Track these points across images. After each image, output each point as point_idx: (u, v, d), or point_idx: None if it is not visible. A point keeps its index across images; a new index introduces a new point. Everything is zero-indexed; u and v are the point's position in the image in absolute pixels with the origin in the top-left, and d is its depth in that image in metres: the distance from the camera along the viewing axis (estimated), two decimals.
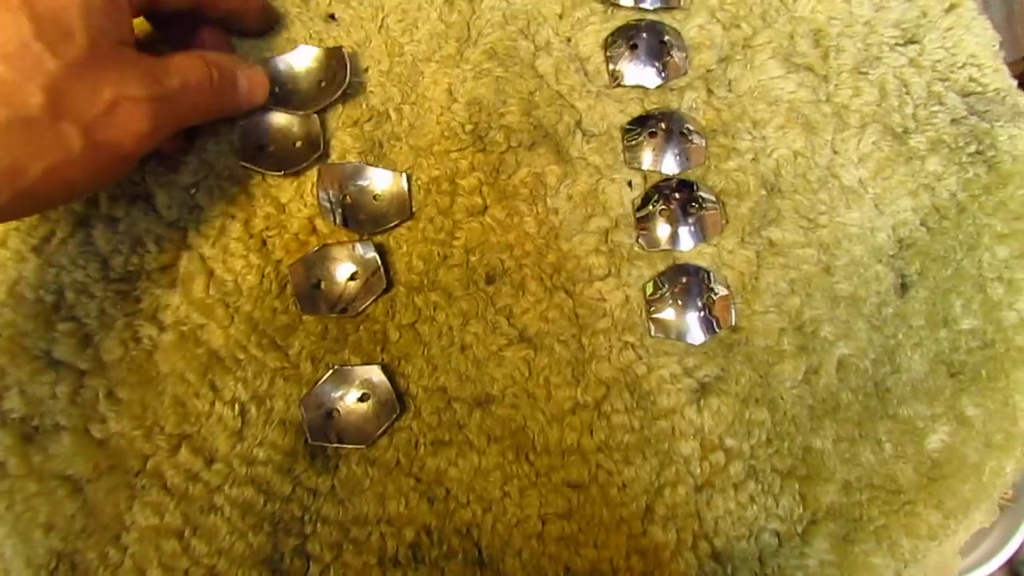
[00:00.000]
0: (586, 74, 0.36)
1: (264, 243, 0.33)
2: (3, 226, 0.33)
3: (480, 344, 0.32)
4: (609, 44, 0.35)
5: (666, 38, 0.35)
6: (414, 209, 0.34)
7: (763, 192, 0.34)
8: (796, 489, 0.32)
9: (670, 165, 0.34)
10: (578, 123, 0.35)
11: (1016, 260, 0.34)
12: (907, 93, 0.36)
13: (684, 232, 0.33)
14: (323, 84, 0.34)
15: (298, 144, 0.33)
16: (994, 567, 0.66)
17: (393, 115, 0.35)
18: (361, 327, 0.33)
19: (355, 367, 0.32)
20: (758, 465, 0.32)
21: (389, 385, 0.31)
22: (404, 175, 0.33)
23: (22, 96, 0.23)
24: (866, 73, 0.36)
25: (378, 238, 0.33)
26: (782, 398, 0.33)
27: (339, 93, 0.33)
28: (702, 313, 0.33)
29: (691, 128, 0.35)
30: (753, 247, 0.34)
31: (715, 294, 0.33)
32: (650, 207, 0.34)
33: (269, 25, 0.35)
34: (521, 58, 0.35)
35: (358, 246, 0.32)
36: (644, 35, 0.35)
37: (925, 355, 0.33)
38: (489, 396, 0.32)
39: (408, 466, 0.32)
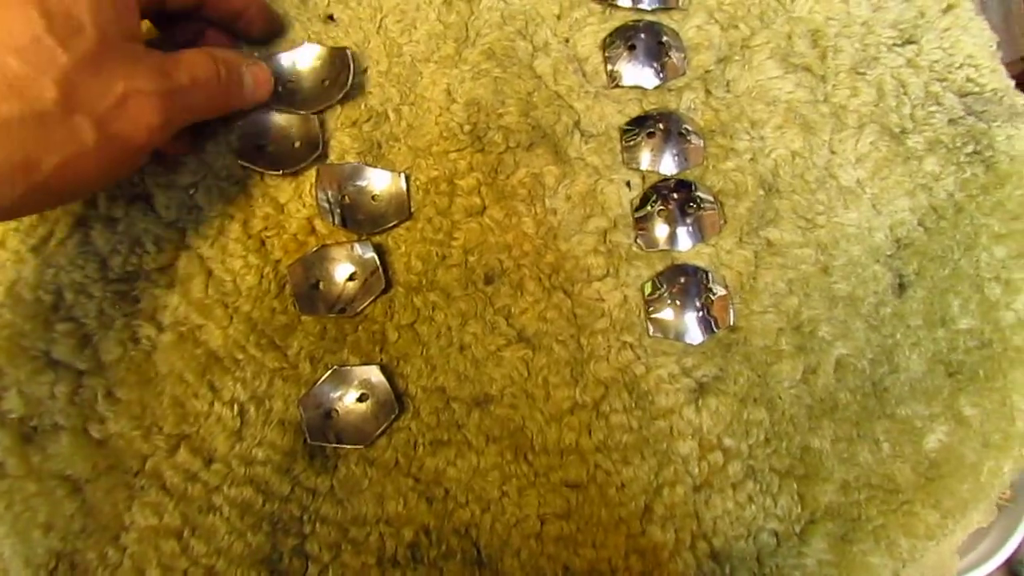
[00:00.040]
0: (584, 75, 0.36)
1: (263, 243, 0.33)
2: (2, 226, 0.33)
3: (479, 344, 0.32)
4: (607, 45, 0.36)
5: (664, 39, 0.35)
6: (413, 209, 0.34)
7: (761, 192, 0.34)
8: (794, 489, 0.32)
9: (668, 165, 0.34)
10: (576, 123, 0.35)
11: (1014, 260, 0.34)
12: (905, 93, 0.36)
13: (682, 232, 0.34)
14: (326, 83, 0.34)
15: (297, 144, 0.33)
16: (993, 567, 0.66)
17: (392, 115, 0.35)
18: (360, 327, 0.33)
19: (354, 367, 0.32)
20: (756, 465, 0.32)
21: (388, 385, 0.31)
22: (403, 175, 0.33)
23: (36, 90, 0.23)
24: (864, 73, 0.36)
25: (377, 238, 0.33)
26: (780, 398, 0.33)
27: (342, 93, 0.33)
28: (700, 313, 0.33)
29: (689, 128, 0.35)
30: (751, 247, 0.34)
31: (713, 294, 0.33)
32: (648, 207, 0.34)
33: (272, 31, 0.35)
34: (519, 59, 0.35)
35: (357, 246, 0.32)
36: (642, 36, 0.35)
37: (923, 355, 0.34)
38: (488, 396, 0.32)
39: (407, 466, 0.32)
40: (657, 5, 0.36)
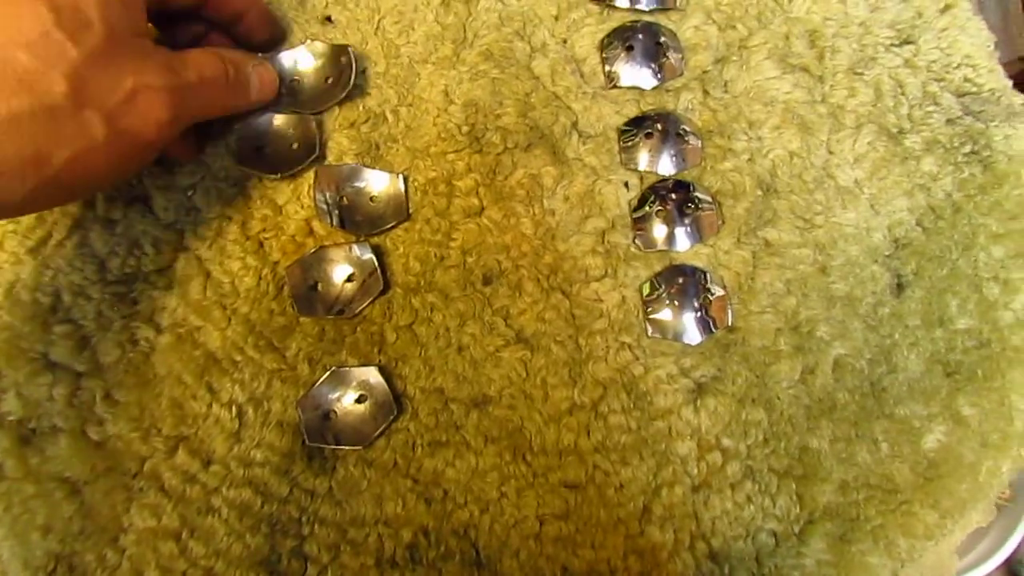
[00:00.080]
0: (582, 75, 0.36)
1: (261, 245, 0.33)
2: (0, 227, 0.33)
3: (477, 345, 0.32)
4: (605, 45, 0.36)
5: (662, 39, 0.35)
6: (411, 210, 0.34)
7: (759, 193, 0.34)
8: (793, 489, 0.32)
9: (666, 166, 0.34)
10: (574, 124, 0.35)
11: (1012, 260, 0.34)
12: (902, 93, 0.36)
13: (680, 233, 0.34)
14: (329, 81, 0.34)
15: (295, 146, 0.33)
16: (992, 567, 0.66)
17: (390, 117, 0.35)
18: (358, 328, 0.33)
19: (352, 368, 0.32)
20: (755, 465, 0.32)
21: (386, 386, 0.31)
22: (401, 177, 0.33)
23: (46, 84, 0.23)
24: (861, 74, 0.36)
25: (375, 240, 0.33)
26: (779, 398, 0.33)
27: (345, 92, 0.33)
28: (699, 313, 0.33)
29: (687, 129, 0.35)
30: (749, 247, 0.34)
31: (711, 294, 0.33)
32: (646, 208, 0.34)
33: (273, 39, 0.35)
34: (517, 60, 0.35)
35: (355, 248, 0.32)
36: (640, 36, 0.35)
37: (921, 355, 0.34)
38: (486, 397, 0.32)
39: (405, 467, 0.32)
40: (655, 6, 0.36)
